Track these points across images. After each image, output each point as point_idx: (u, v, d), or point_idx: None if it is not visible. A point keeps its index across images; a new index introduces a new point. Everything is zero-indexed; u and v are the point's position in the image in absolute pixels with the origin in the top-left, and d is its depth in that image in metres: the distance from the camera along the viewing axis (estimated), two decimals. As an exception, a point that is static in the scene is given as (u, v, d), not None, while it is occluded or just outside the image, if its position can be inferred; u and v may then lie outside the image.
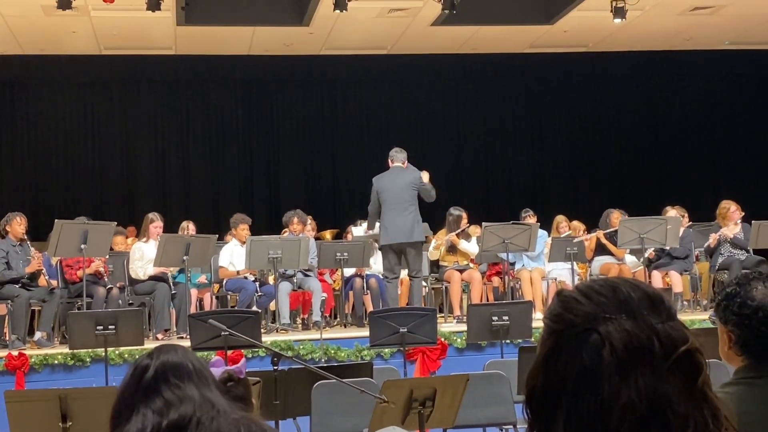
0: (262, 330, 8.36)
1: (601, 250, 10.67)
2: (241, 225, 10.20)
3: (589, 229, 11.22)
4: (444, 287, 10.45)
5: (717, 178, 15.38)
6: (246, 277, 9.89)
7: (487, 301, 10.59)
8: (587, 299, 1.19)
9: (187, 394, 2.02)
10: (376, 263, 10.43)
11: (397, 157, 9.79)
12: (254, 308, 9.11)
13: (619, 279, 1.22)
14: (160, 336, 9.04)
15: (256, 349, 7.87)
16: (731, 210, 10.39)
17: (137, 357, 2.29)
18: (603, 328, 1.15)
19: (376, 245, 10.56)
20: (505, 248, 9.76)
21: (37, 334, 8.81)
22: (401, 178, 9.62)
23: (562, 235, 10.86)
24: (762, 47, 15.08)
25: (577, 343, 1.16)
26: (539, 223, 10.51)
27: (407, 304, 9.53)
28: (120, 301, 9.28)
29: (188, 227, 10.39)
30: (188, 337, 7.19)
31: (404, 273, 10.09)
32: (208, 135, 15.11)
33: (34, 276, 9.03)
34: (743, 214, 10.45)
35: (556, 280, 10.52)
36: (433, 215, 10.96)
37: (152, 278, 9.44)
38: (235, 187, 15.12)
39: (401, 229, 9.46)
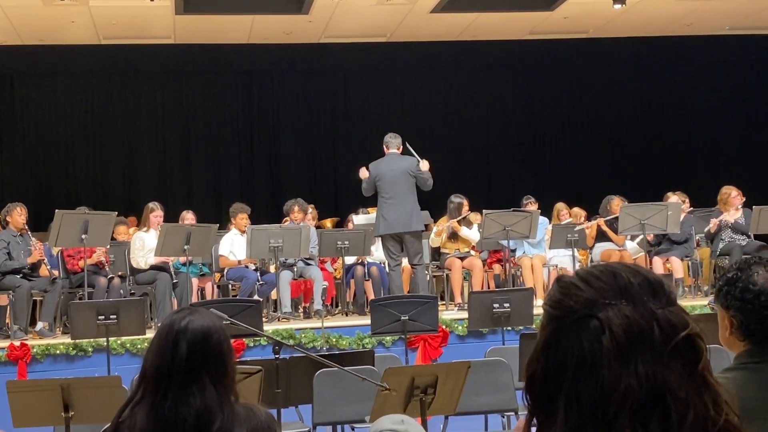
0: (264, 319, 8.34)
1: (602, 236, 10.67)
2: (240, 214, 10.18)
3: (590, 215, 11.21)
4: (445, 275, 10.44)
5: (718, 164, 15.35)
6: (247, 266, 9.89)
7: (488, 288, 10.58)
8: (587, 285, 1.18)
9: None
10: (378, 251, 10.41)
11: (393, 143, 9.59)
12: (255, 297, 9.11)
13: (619, 264, 1.21)
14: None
15: (258, 338, 7.88)
16: (732, 195, 10.38)
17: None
18: (603, 314, 1.15)
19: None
20: (506, 235, 9.75)
21: (39, 325, 8.82)
22: (398, 165, 9.44)
23: (562, 222, 10.85)
24: (762, 32, 15.03)
25: (577, 329, 1.15)
26: (540, 210, 10.51)
27: (409, 292, 9.51)
28: (121, 291, 9.29)
29: (187, 217, 10.35)
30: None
31: (405, 261, 10.05)
32: (208, 124, 15.08)
33: (35, 266, 9.03)
34: (744, 199, 10.44)
35: (557, 267, 10.52)
36: (434, 202, 10.95)
37: (153, 268, 9.44)
38: (236, 176, 15.09)
39: (400, 219, 9.31)
